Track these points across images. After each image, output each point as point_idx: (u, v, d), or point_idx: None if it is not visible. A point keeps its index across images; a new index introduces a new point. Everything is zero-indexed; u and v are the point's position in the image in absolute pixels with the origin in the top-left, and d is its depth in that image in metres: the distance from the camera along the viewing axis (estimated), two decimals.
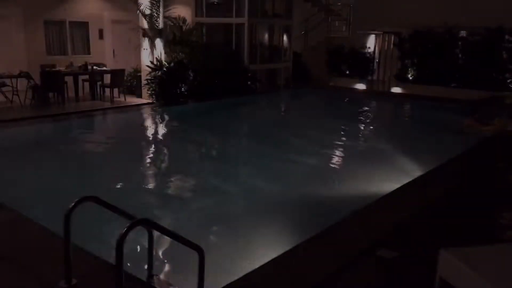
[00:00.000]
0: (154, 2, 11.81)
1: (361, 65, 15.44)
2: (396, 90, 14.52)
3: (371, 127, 10.92)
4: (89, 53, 14.47)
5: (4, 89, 10.87)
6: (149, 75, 11.93)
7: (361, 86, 15.30)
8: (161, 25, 12.05)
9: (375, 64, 15.60)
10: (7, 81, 10.78)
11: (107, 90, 12.22)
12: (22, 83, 11.16)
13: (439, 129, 9.99)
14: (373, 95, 14.30)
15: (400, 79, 14.55)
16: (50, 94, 11.29)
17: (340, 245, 4.06)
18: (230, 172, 6.97)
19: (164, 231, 2.98)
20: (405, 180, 5.91)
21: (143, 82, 12.19)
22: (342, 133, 9.77)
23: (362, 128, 10.73)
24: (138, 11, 12.00)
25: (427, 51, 13.88)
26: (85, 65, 12.19)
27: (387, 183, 5.94)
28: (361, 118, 11.92)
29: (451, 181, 6.04)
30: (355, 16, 16.46)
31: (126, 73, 12.83)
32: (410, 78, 14.35)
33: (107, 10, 14.59)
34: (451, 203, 5.22)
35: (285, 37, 15.49)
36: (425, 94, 13.31)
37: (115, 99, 12.06)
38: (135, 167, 7.05)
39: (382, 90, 15.06)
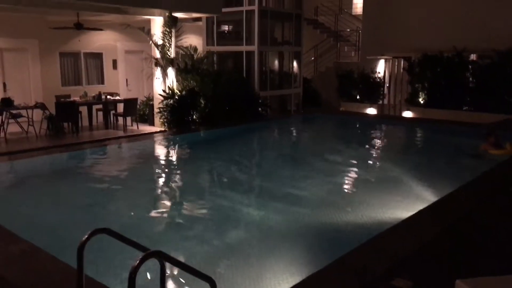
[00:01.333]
0: (166, 33, 12.07)
1: (371, 89, 15.49)
2: (408, 114, 14.48)
3: (384, 152, 10.86)
4: (103, 83, 14.77)
5: (20, 119, 11.11)
6: (161, 103, 12.10)
7: (372, 111, 15.30)
8: (173, 55, 12.29)
9: (385, 89, 15.64)
10: (23, 112, 11.02)
11: (120, 119, 12.41)
12: (37, 114, 11.40)
13: (453, 153, 9.90)
14: (385, 120, 14.26)
15: (411, 103, 14.53)
16: (65, 124, 11.49)
17: (354, 274, 4.00)
18: (243, 200, 6.96)
19: (176, 263, 2.97)
20: (420, 206, 5.84)
21: (156, 110, 12.36)
22: (355, 158, 9.72)
23: (375, 153, 10.69)
24: (150, 42, 12.27)
25: (437, 75, 13.89)
26: (99, 95, 12.43)
27: (401, 209, 5.87)
28: (374, 143, 11.89)
29: (466, 207, 5.94)
30: (364, 42, 16.62)
31: (138, 101, 13.04)
32: (421, 102, 14.33)
33: (120, 41, 14.97)
34: (466, 230, 5.13)
35: (294, 63, 15.68)
36: (437, 117, 13.24)
37: (128, 127, 12.23)
38: (149, 196, 7.08)
39: (394, 115, 15.04)
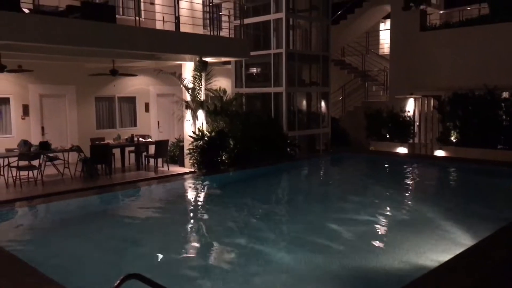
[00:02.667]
0: (197, 77, 12.47)
1: (401, 128, 15.30)
2: (440, 153, 14.18)
3: (418, 193, 10.59)
4: (135, 126, 15.24)
5: (56, 162, 11.53)
6: (191, 145, 12.34)
7: (402, 150, 15.06)
8: (203, 97, 12.63)
9: (416, 127, 15.44)
10: (60, 154, 11.44)
11: (152, 160, 12.69)
12: (73, 156, 11.81)
13: (489, 194, 9.57)
14: (416, 159, 13.99)
15: (443, 142, 14.25)
16: (99, 166, 11.82)
17: None
18: (272, 242, 6.88)
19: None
20: (455, 251, 5.62)
21: (186, 151, 12.60)
22: (387, 199, 9.52)
23: (408, 193, 10.44)
24: (181, 85, 12.68)
25: (468, 113, 13.66)
26: (132, 137, 12.82)
27: (436, 254, 5.67)
28: (407, 183, 11.64)
29: (504, 252, 5.68)
30: (392, 81, 16.63)
31: (169, 143, 13.34)
32: (453, 140, 14.03)
33: (152, 85, 15.53)
34: (506, 277, 4.89)
35: (322, 103, 15.78)
36: (470, 156, 12.90)
37: (159, 168, 12.48)
38: (179, 237, 7.11)
39: (425, 154, 14.75)
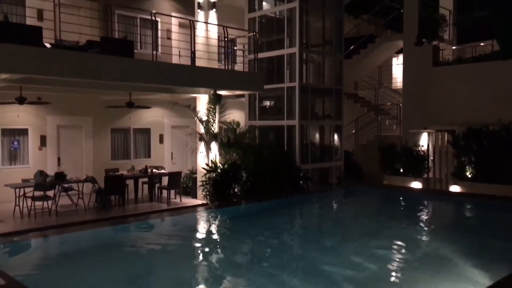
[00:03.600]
0: (211, 109, 12.63)
1: (415, 163, 15.17)
2: (455, 188, 13.98)
3: (434, 230, 10.35)
4: (149, 157, 15.38)
5: (70, 192, 11.64)
6: (204, 177, 12.38)
7: (417, 185, 14.89)
8: (216, 130, 12.75)
9: (430, 162, 15.31)
10: (74, 185, 11.57)
11: (165, 192, 12.73)
12: (87, 187, 11.92)
13: (507, 232, 9.34)
14: (431, 195, 13.80)
15: (458, 177, 14.06)
16: (112, 197, 11.89)
17: None
18: (284, 278, 6.78)
19: None
20: None
21: (199, 183, 12.63)
22: (402, 236, 9.35)
23: (424, 231, 10.23)
24: (196, 118, 12.84)
25: (483, 148, 13.53)
26: (145, 168, 12.93)
27: None
28: (422, 220, 11.44)
29: None
30: (405, 115, 16.63)
31: (182, 175, 13.40)
32: (469, 176, 13.84)
33: (167, 117, 15.76)
34: None
35: (335, 136, 15.79)
36: (486, 192, 12.67)
37: (171, 200, 12.50)
38: (190, 270, 7.05)
39: (440, 189, 14.55)
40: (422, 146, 15.35)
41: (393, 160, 15.55)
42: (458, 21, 17.75)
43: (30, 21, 11.05)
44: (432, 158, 15.37)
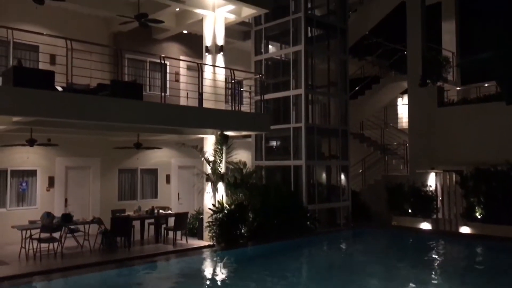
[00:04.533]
0: (218, 150, 12.70)
1: (424, 203, 15.02)
2: (465, 230, 13.75)
3: (444, 273, 10.10)
4: (156, 197, 15.35)
5: (76, 234, 11.57)
6: (210, 217, 12.30)
7: (426, 226, 14.67)
8: (223, 170, 12.77)
9: (439, 202, 15.14)
10: (81, 226, 11.51)
11: (171, 233, 12.62)
12: (93, 228, 11.86)
13: None
14: (441, 236, 13.55)
15: (468, 218, 13.86)
16: (118, 238, 11.80)
17: None
18: None
19: None
20: None
21: (205, 224, 12.53)
22: (413, 280, 9.12)
23: (434, 274, 9.98)
24: (203, 158, 12.91)
25: (492, 188, 13.40)
26: (152, 209, 12.89)
27: None
28: (433, 263, 11.18)
29: None
30: (412, 155, 16.61)
31: (189, 215, 13.33)
32: (479, 216, 13.64)
33: (174, 157, 15.84)
34: None
35: (342, 176, 15.74)
36: (497, 234, 12.46)
37: (177, 241, 12.37)
38: None
39: (450, 230, 14.31)
40: (430, 186, 15.24)
41: (402, 200, 15.41)
42: (461, 63, 18.02)
43: (43, 65, 11.37)
44: (440, 199, 15.21)
